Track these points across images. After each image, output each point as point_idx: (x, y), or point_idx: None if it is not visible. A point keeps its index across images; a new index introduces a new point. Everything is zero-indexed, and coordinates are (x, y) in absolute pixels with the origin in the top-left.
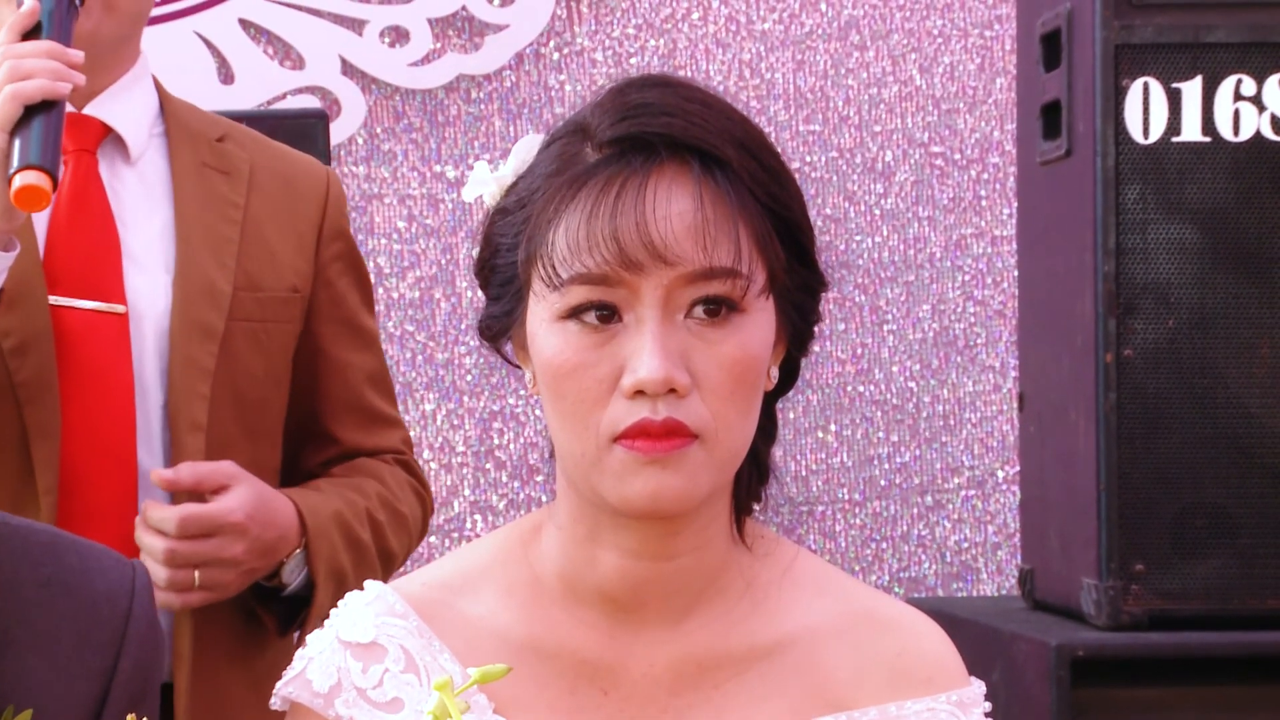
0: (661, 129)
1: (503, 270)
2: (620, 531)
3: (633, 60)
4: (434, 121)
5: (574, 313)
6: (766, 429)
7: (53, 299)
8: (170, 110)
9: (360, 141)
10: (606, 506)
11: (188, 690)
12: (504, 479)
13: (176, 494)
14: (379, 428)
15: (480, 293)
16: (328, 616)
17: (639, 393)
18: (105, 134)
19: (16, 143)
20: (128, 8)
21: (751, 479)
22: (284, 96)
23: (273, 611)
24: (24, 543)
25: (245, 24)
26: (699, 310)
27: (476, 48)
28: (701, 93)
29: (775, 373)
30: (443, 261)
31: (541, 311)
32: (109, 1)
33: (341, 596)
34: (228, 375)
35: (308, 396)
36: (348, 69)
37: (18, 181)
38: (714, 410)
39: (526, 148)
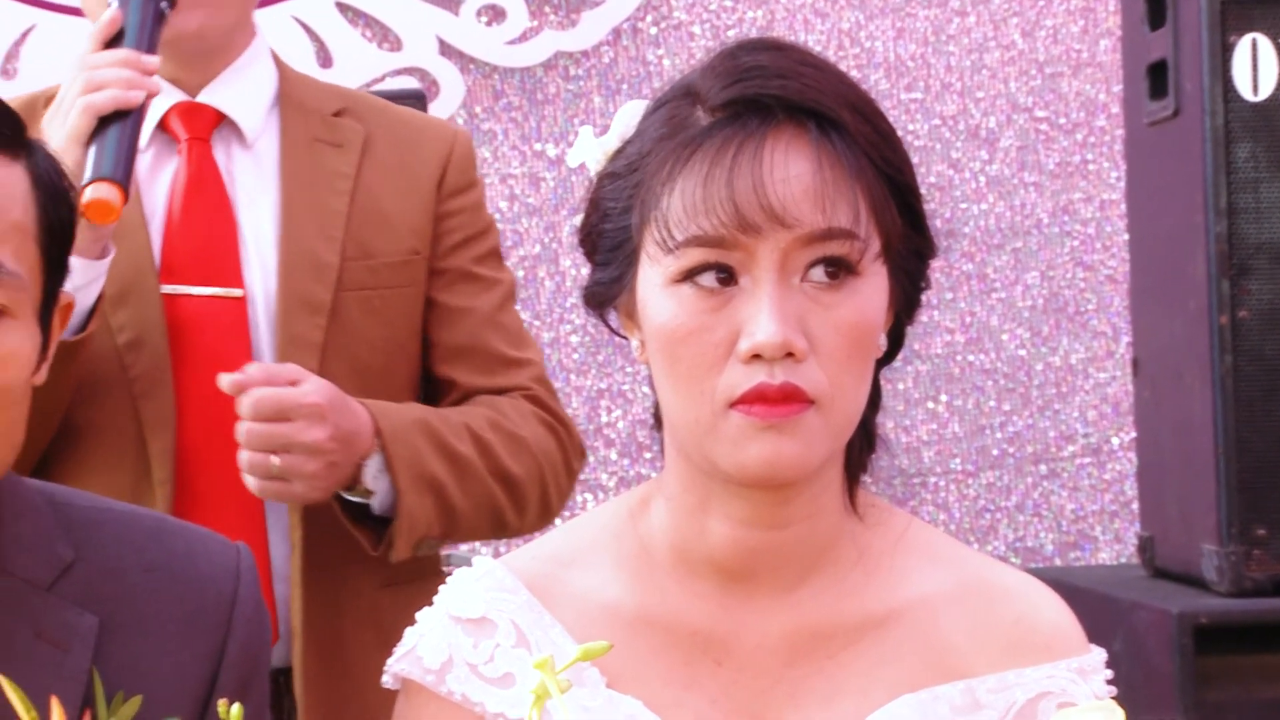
0: (777, 91)
1: (612, 235)
2: (732, 500)
3: (731, 32)
4: (533, 100)
5: (689, 275)
6: (872, 397)
7: (170, 288)
8: (286, 89)
9: (459, 121)
10: (719, 474)
11: (301, 667)
12: (613, 456)
13: None
14: (503, 369)
15: (583, 268)
16: (422, 523)
17: (755, 357)
18: (219, 120)
19: (89, 155)
20: None
21: (861, 447)
22: (382, 78)
23: (367, 528)
24: (129, 528)
25: (343, 7)
26: (817, 273)
27: (573, 24)
28: (812, 55)
29: (884, 340)
30: (546, 240)
31: (654, 276)
32: None
33: (442, 506)
34: (341, 347)
35: (429, 348)
36: (445, 49)
37: (87, 195)
38: (830, 375)
39: (631, 113)
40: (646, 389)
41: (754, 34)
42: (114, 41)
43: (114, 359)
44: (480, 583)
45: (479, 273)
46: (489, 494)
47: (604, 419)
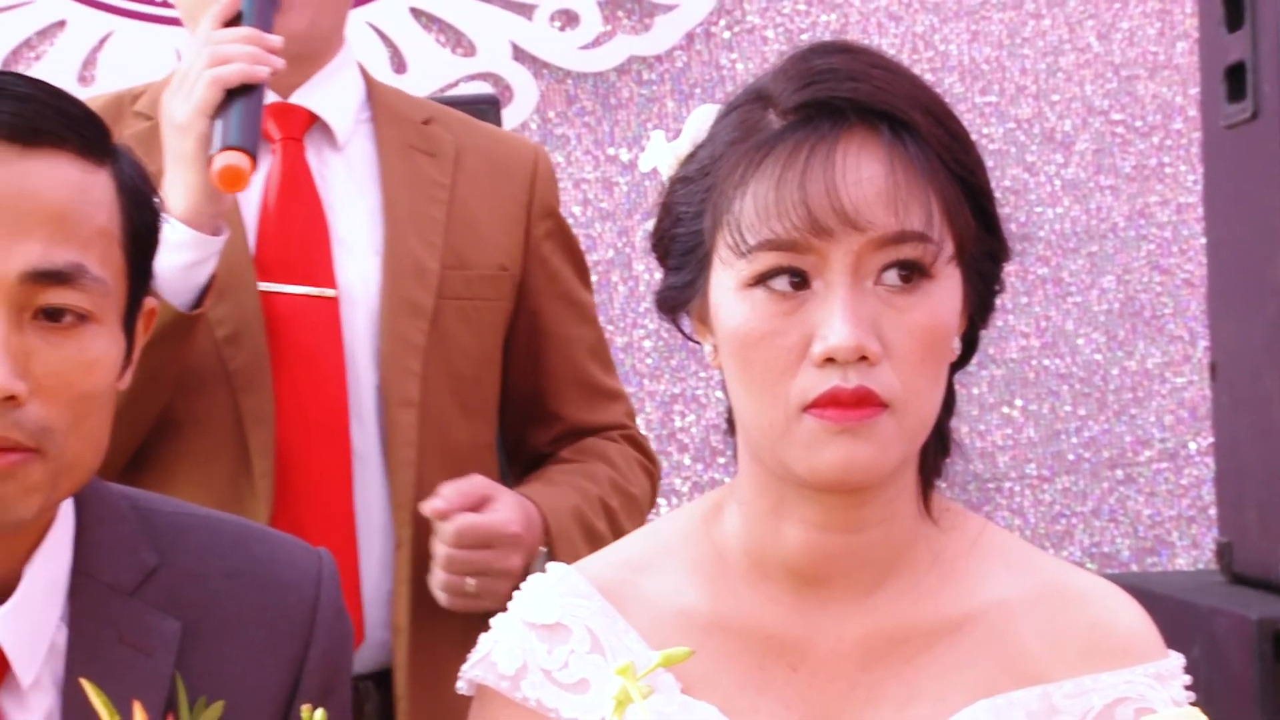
0: (849, 94)
1: (684, 239)
2: (806, 504)
3: (804, 36)
4: (606, 104)
5: (762, 279)
6: (946, 401)
7: (264, 286)
8: (376, 95)
9: (533, 126)
10: (793, 478)
11: (407, 665)
12: (686, 462)
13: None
14: (602, 402)
15: (656, 273)
16: None
17: (829, 361)
18: (311, 121)
19: (218, 125)
20: (337, 1)
21: (935, 451)
22: (456, 84)
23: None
24: (212, 534)
25: (416, 13)
26: (890, 276)
27: (647, 29)
28: (883, 58)
29: (958, 343)
30: (619, 245)
31: (727, 280)
32: None
33: None
34: (440, 352)
35: (531, 375)
36: (519, 54)
37: (218, 162)
38: (904, 379)
39: (702, 117)
40: (719, 394)
41: (827, 38)
42: (233, 22)
43: (213, 352)
44: (554, 589)
45: (580, 297)
46: None
47: (677, 424)
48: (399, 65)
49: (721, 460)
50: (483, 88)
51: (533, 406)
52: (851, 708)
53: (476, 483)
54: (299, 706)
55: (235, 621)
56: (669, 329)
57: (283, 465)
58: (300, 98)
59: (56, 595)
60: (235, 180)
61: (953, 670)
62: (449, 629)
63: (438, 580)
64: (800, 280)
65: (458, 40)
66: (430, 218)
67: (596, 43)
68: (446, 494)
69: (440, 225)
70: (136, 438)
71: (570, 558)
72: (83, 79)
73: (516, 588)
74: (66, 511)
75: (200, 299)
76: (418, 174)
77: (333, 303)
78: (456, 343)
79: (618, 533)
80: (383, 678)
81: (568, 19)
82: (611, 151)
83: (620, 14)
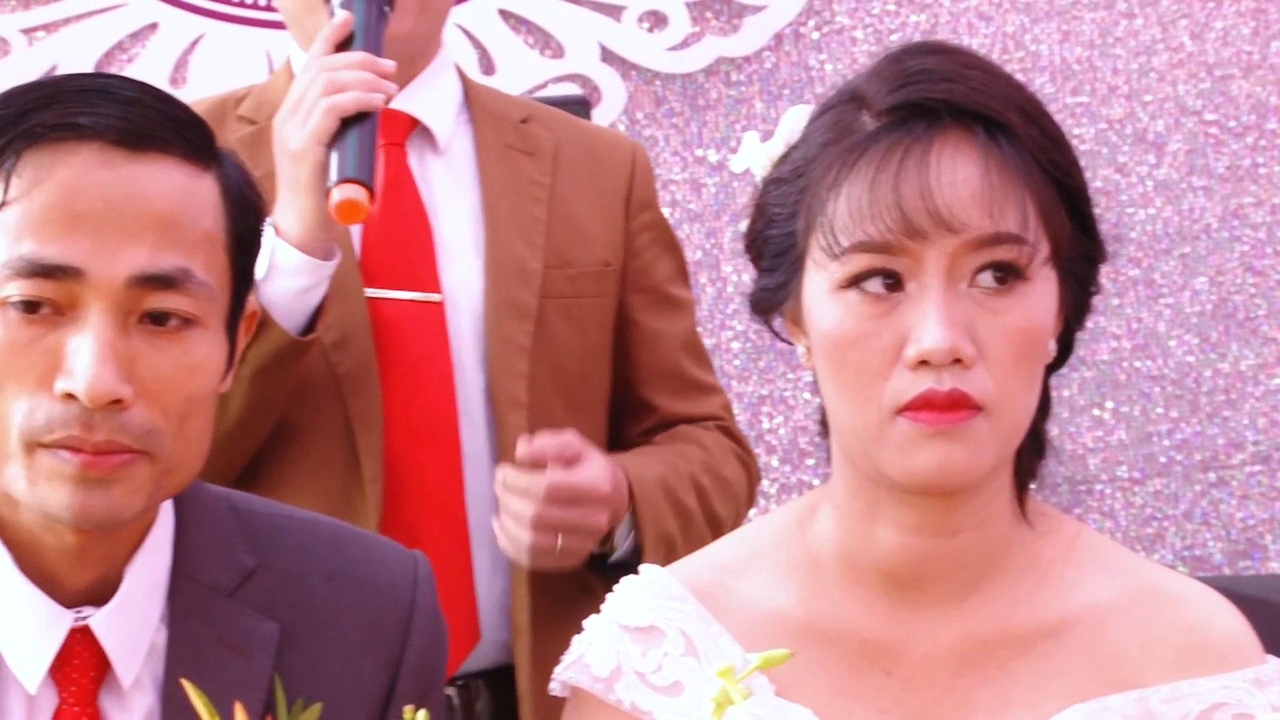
0: (944, 95)
1: (778, 241)
2: (900, 507)
3: (893, 37)
4: (694, 105)
5: (855, 281)
6: (1041, 403)
7: (370, 292)
8: (474, 97)
9: (621, 128)
10: (886, 481)
11: (529, 664)
12: (774, 463)
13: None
14: (697, 395)
15: (744, 274)
16: None
17: (923, 363)
18: (413, 126)
19: (334, 155)
20: (440, 5)
21: (1030, 454)
22: (544, 85)
23: (602, 577)
24: (309, 536)
25: (505, 14)
26: (985, 278)
27: (735, 29)
28: (979, 59)
29: (1053, 345)
30: (707, 246)
31: (820, 281)
32: (424, 2)
33: (670, 559)
34: (545, 352)
35: (623, 367)
36: (607, 55)
37: (336, 196)
38: (999, 382)
39: (796, 118)
40: (808, 395)
41: (917, 38)
42: (344, 44)
43: (321, 358)
44: (648, 591)
45: (674, 293)
46: (702, 540)
47: (765, 425)
48: (487, 67)
49: (810, 462)
50: (571, 89)
51: (625, 398)
52: (945, 713)
53: (569, 439)
54: (395, 708)
55: (332, 623)
56: (757, 331)
57: (392, 469)
58: (402, 103)
59: (156, 596)
60: (354, 213)
61: (1047, 676)
62: (569, 628)
63: (523, 540)
64: (894, 282)
65: (546, 42)
66: (531, 217)
67: (685, 44)
68: (541, 444)
69: (541, 224)
70: (248, 455)
71: (655, 525)
72: (174, 81)
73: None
74: (166, 513)
75: (312, 322)
76: (517, 174)
77: (438, 307)
78: (562, 342)
79: (708, 513)
80: (494, 676)
81: (656, 20)
82: (700, 153)
83: (709, 15)
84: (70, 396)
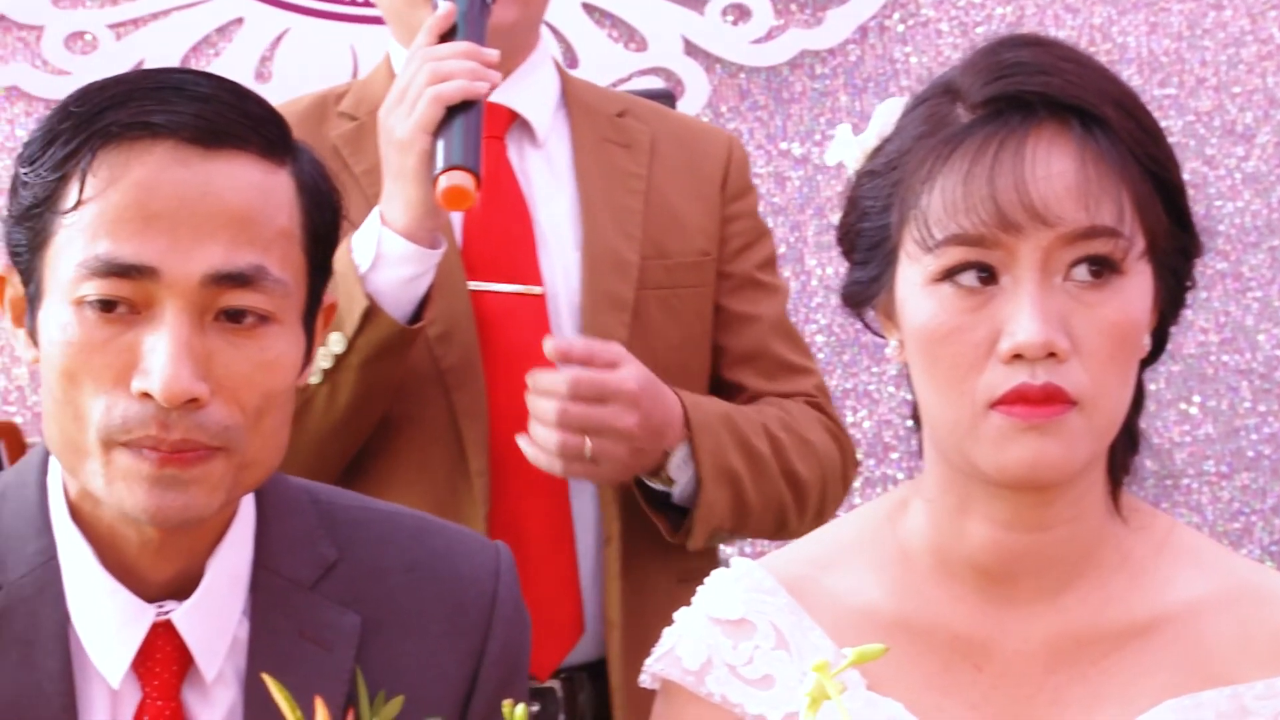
0: (1040, 88)
1: (870, 234)
2: (992, 502)
3: (979, 29)
4: (778, 99)
5: (949, 274)
6: (1135, 398)
7: (472, 284)
8: (570, 90)
9: (705, 121)
10: (979, 475)
11: (621, 657)
12: (859, 457)
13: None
14: (787, 375)
15: (828, 268)
16: (719, 514)
17: (1017, 357)
18: (512, 119)
19: (440, 144)
20: None
21: (1124, 449)
22: (628, 79)
23: (665, 515)
24: (391, 528)
25: (589, 8)
26: (1080, 272)
27: (819, 22)
28: (1074, 51)
29: (1148, 340)
30: (791, 240)
31: (914, 275)
32: None
33: (737, 500)
34: (643, 343)
35: (714, 353)
36: (690, 49)
37: (444, 182)
38: (1093, 376)
39: (889, 111)
40: (892, 389)
41: (1003, 30)
42: (447, 35)
43: (425, 351)
44: (739, 584)
45: (763, 279)
46: (778, 493)
47: (850, 419)
48: (571, 60)
49: (894, 456)
50: (655, 82)
51: (715, 380)
52: (1037, 709)
53: (611, 347)
54: (478, 700)
55: (414, 616)
56: (841, 324)
57: (497, 462)
58: (501, 96)
59: (238, 590)
60: (461, 199)
61: (1140, 672)
62: (662, 621)
63: (552, 442)
64: (988, 275)
65: (630, 35)
66: (628, 209)
67: (768, 36)
68: (575, 343)
69: (638, 216)
70: (356, 446)
71: (713, 457)
72: (259, 76)
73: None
74: (247, 506)
75: (418, 312)
76: (613, 166)
77: (539, 300)
78: (659, 333)
79: (785, 467)
80: (595, 669)
81: (740, 13)
82: (784, 146)
83: (793, 7)
84: (147, 395)
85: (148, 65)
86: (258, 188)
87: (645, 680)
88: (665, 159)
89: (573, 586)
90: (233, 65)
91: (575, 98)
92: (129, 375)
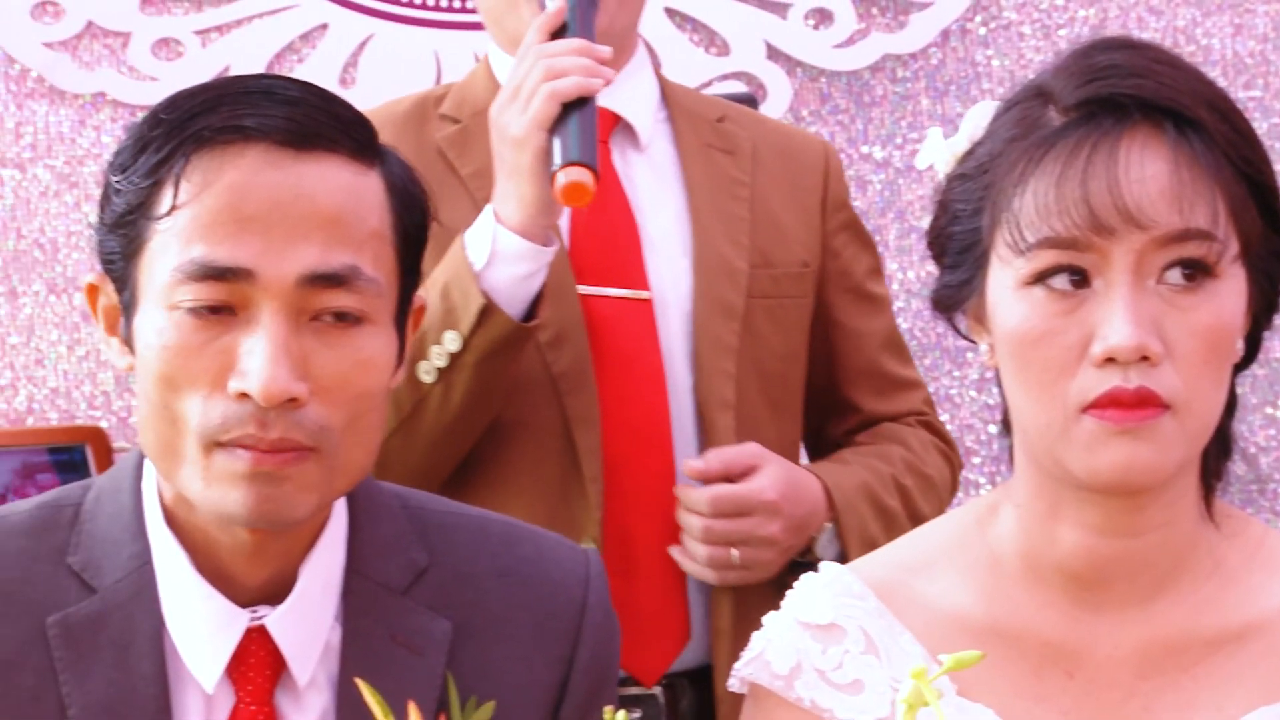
0: (1133, 90)
1: (961, 237)
2: (1083, 507)
3: (1062, 32)
4: (860, 102)
5: (1041, 278)
6: (1228, 402)
7: (581, 288)
8: (670, 93)
9: (797, 127)
10: (1071, 480)
11: (728, 666)
12: None
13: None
14: (898, 392)
15: (909, 272)
16: None
17: (1109, 360)
18: (615, 123)
19: (556, 141)
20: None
21: (1217, 454)
22: (710, 83)
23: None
24: (481, 533)
25: (671, 12)
26: (1173, 275)
27: (901, 26)
28: (1167, 54)
29: (1241, 344)
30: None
31: (1005, 278)
32: None
33: None
34: (751, 352)
35: (826, 367)
36: (772, 53)
37: (562, 179)
38: (1186, 380)
39: (980, 114)
40: (974, 393)
41: (1086, 33)
42: (557, 33)
43: (537, 356)
44: (829, 589)
45: (871, 290)
46: None
47: None
48: (653, 64)
49: (976, 460)
50: (736, 86)
51: (829, 397)
52: (1128, 716)
53: (746, 450)
54: (568, 707)
55: (504, 621)
56: (922, 328)
57: (610, 469)
58: (603, 99)
59: (330, 595)
60: (580, 195)
61: (1232, 680)
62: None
63: (702, 554)
64: (1080, 279)
65: (711, 39)
66: (736, 216)
67: (850, 41)
68: (710, 459)
69: (745, 224)
70: (466, 448)
71: (858, 533)
72: (343, 81)
73: (785, 560)
74: (340, 511)
75: (530, 310)
76: (719, 173)
77: (647, 305)
78: (766, 342)
79: (912, 512)
80: (698, 676)
81: (822, 17)
82: (865, 150)
83: (875, 11)
84: (245, 396)
85: (233, 71)
86: (349, 189)
87: (734, 685)
88: (766, 167)
89: (680, 594)
90: (317, 71)
91: (675, 101)
92: (226, 377)
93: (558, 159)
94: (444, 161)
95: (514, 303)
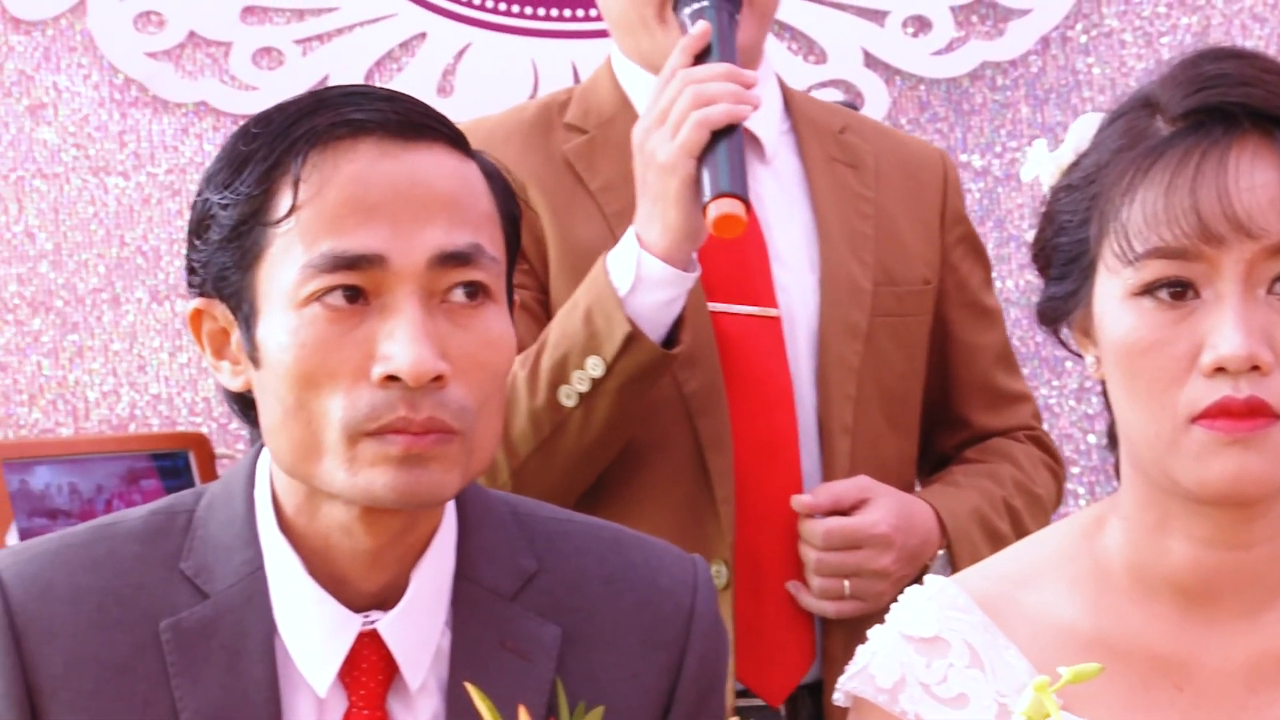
0: (1242, 99)
1: (1067, 248)
2: (1192, 519)
3: (1164, 40)
4: (958, 110)
5: (1150, 288)
6: None
7: (711, 305)
8: (793, 104)
9: (915, 136)
10: (1179, 491)
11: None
12: None
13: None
14: (1009, 406)
15: (1008, 281)
16: None
17: (1219, 370)
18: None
19: (705, 170)
20: (771, 9)
21: None
22: (807, 91)
23: None
24: (589, 540)
25: None
26: None
27: (1000, 33)
28: (1275, 62)
29: None
30: None
31: (1113, 289)
32: (763, 9)
33: None
34: (873, 372)
35: (939, 381)
36: (870, 61)
37: (714, 210)
38: None
39: (1086, 125)
40: (1073, 403)
41: (1188, 40)
42: (701, 55)
43: (668, 375)
44: (933, 601)
45: (986, 303)
46: None
47: None
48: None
49: (1075, 470)
50: (834, 95)
51: (939, 411)
52: None
53: (856, 485)
54: (676, 716)
55: (612, 627)
56: (1021, 337)
57: (741, 490)
58: None
59: (441, 600)
60: (733, 227)
61: None
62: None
63: (815, 586)
64: (1189, 289)
65: (809, 47)
66: (861, 233)
67: (949, 48)
68: (820, 494)
69: (870, 241)
70: (597, 473)
71: (970, 559)
72: (441, 90)
73: (898, 589)
74: (450, 517)
75: (670, 334)
76: (843, 187)
77: (775, 322)
78: (888, 361)
79: (1021, 533)
80: (816, 689)
81: (920, 25)
82: (964, 158)
83: (974, 19)
84: (390, 380)
85: (333, 80)
86: (459, 174)
87: (839, 699)
88: (889, 181)
89: (807, 615)
90: (416, 79)
91: (799, 112)
92: (368, 366)
93: (707, 188)
94: (572, 174)
95: (656, 328)
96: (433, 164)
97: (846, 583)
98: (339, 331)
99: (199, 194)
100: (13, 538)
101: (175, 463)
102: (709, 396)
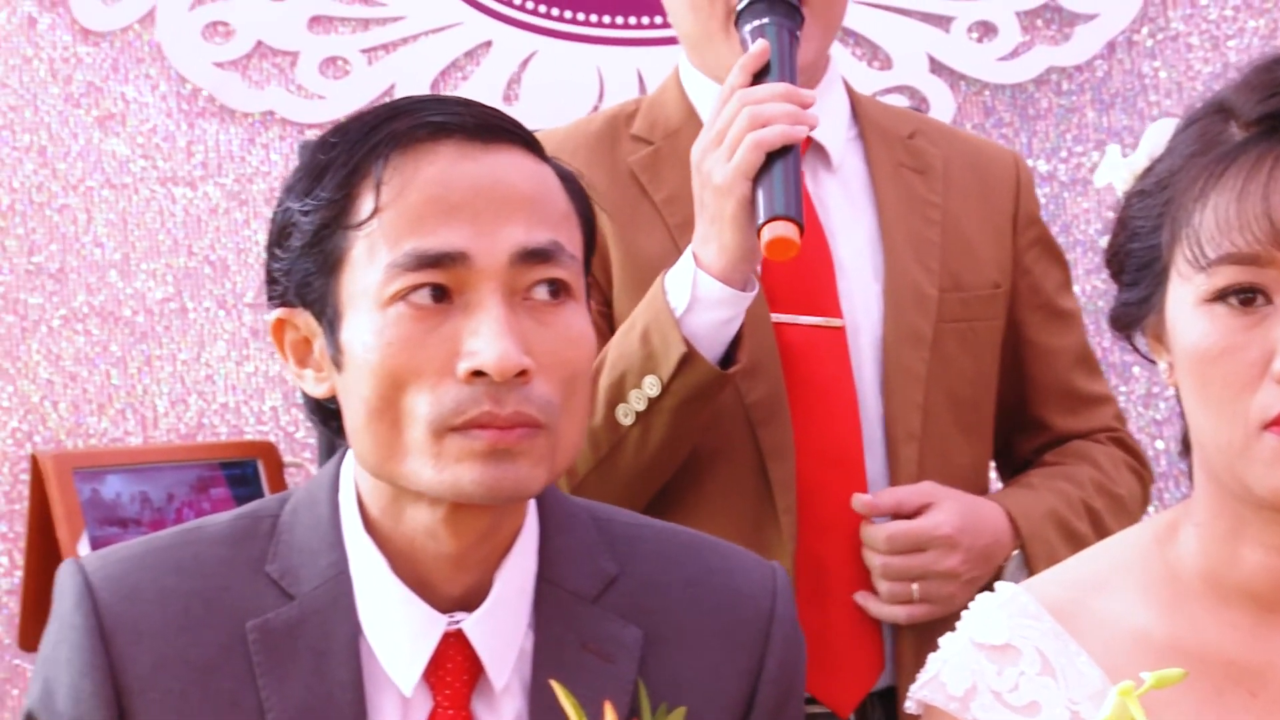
0: None
1: (1140, 254)
2: (1266, 527)
3: (1231, 43)
4: (1024, 115)
5: (1222, 295)
6: None
7: (774, 316)
8: (861, 110)
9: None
10: (1252, 499)
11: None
12: None
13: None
14: (1089, 408)
15: (1075, 285)
16: None
17: None
18: (807, 144)
19: (760, 192)
20: (836, 20)
21: None
22: (873, 97)
23: None
24: (669, 544)
25: None
26: None
27: (1066, 38)
28: None
29: None
30: None
31: (1185, 295)
32: (827, 23)
33: None
34: (940, 379)
35: (1016, 385)
36: (935, 66)
37: (768, 234)
38: None
39: (1159, 132)
40: (1140, 408)
41: (1255, 44)
42: (760, 74)
43: (730, 386)
44: (1004, 609)
45: (1062, 305)
46: None
47: None
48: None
49: None
50: (900, 100)
51: (1018, 415)
52: None
53: (919, 490)
54: (755, 718)
55: (692, 630)
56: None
57: (804, 500)
58: None
59: (524, 602)
60: (786, 249)
61: None
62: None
63: (883, 591)
64: (1261, 295)
65: (874, 53)
66: (927, 240)
67: (1015, 54)
68: (883, 498)
69: (936, 248)
70: (658, 487)
71: (1047, 560)
72: (506, 98)
73: (971, 592)
74: (531, 519)
75: (727, 354)
76: (910, 194)
77: (840, 333)
78: (956, 367)
79: (1102, 534)
80: (888, 695)
81: (985, 30)
82: (1030, 163)
83: (1039, 24)
84: (476, 375)
85: (399, 89)
86: (536, 175)
87: (910, 706)
88: (958, 185)
89: (874, 624)
90: (481, 87)
91: (867, 118)
92: (453, 363)
93: (762, 210)
94: (637, 185)
95: (714, 346)
96: (511, 165)
97: (915, 586)
98: (424, 329)
99: (279, 205)
100: (84, 547)
101: (244, 471)
102: (771, 406)
